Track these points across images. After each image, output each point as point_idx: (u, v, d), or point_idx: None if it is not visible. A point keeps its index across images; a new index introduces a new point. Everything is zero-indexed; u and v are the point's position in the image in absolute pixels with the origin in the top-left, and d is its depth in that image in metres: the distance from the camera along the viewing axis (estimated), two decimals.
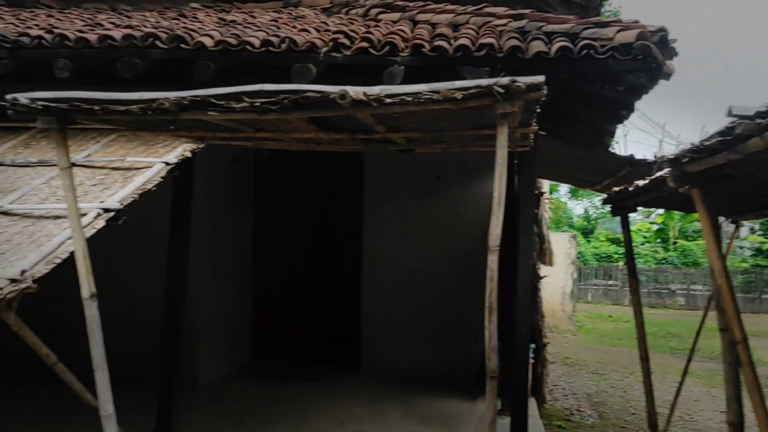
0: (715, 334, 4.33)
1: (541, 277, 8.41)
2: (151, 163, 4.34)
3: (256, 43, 4.60)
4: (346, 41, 4.61)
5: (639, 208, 5.58)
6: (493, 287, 2.61)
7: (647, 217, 31.01)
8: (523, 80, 2.49)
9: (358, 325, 7.85)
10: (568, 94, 4.74)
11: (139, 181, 4.08)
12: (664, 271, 26.81)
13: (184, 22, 5.43)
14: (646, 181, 4.03)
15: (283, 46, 4.57)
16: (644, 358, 5.37)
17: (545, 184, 10.46)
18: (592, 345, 15.13)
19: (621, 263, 26.29)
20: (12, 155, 4.70)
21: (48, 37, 4.75)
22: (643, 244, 28.61)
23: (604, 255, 28.79)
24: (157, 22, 5.39)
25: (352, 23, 5.40)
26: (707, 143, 2.55)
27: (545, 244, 8.76)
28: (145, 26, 5.09)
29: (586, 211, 35.85)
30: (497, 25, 4.90)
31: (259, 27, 5.14)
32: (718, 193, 3.35)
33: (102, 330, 2.98)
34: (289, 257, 8.67)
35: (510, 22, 4.93)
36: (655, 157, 3.70)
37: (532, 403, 6.45)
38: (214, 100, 2.66)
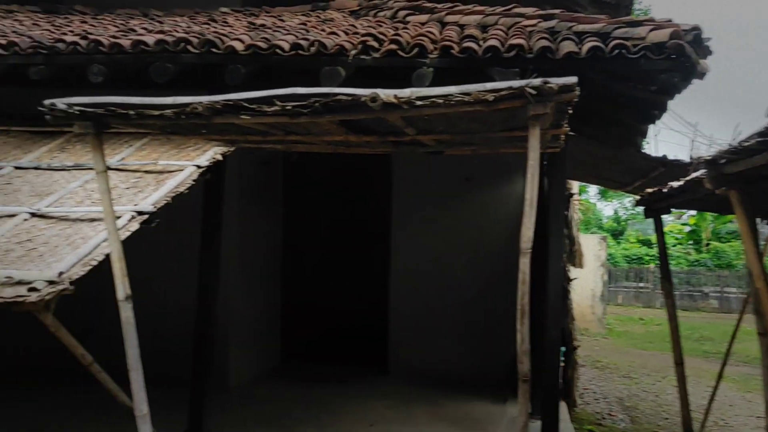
0: (749, 338, 4.24)
1: (571, 280, 8.32)
2: (183, 166, 4.40)
3: (286, 46, 4.64)
4: (375, 44, 4.61)
5: (672, 210, 5.49)
6: (525, 290, 2.59)
7: (678, 218, 30.50)
8: (556, 81, 2.46)
9: (386, 327, 7.85)
10: (598, 94, 4.68)
11: (172, 184, 4.14)
12: (697, 274, 26.33)
13: (215, 27, 5.49)
14: (681, 183, 3.96)
15: (313, 49, 4.59)
16: (679, 363, 5.27)
17: (574, 185, 10.37)
18: (623, 348, 14.93)
19: (652, 265, 25.89)
20: (48, 159, 4.80)
21: (83, 43, 4.84)
22: (674, 245, 28.13)
23: (634, 257, 28.38)
24: (188, 27, 5.46)
25: (381, 25, 5.40)
26: (746, 144, 2.50)
27: (575, 246, 8.67)
28: (177, 31, 5.16)
29: (615, 212, 35.41)
30: (527, 26, 4.87)
31: (288, 30, 5.17)
32: (756, 194, 3.27)
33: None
34: (317, 259, 8.71)
35: (539, 22, 4.89)
36: (691, 158, 3.65)
37: (562, 406, 6.37)
38: (246, 104, 2.69)
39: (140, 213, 3.76)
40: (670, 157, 6.22)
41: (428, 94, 2.57)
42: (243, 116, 2.73)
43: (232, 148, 4.51)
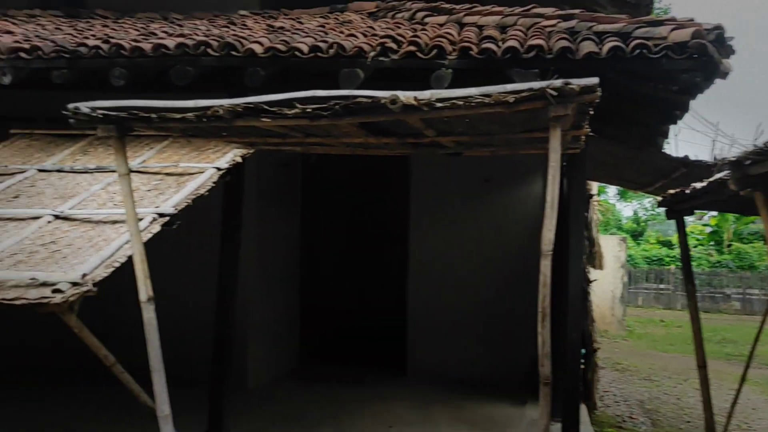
0: None
1: (591, 281, 8.26)
2: (203, 168, 4.44)
3: (305, 49, 4.65)
4: (394, 45, 4.62)
5: (695, 211, 5.42)
6: (546, 293, 2.58)
7: (699, 219, 30.12)
8: (577, 82, 2.45)
9: (404, 328, 7.85)
10: (619, 94, 4.64)
11: (192, 186, 4.18)
12: (719, 275, 25.98)
13: (234, 30, 5.53)
14: (704, 184, 3.91)
15: (332, 51, 4.61)
16: (702, 366, 5.21)
17: (593, 186, 10.29)
18: (644, 350, 14.78)
19: (673, 266, 25.59)
20: (71, 162, 4.86)
21: (105, 47, 4.90)
22: (695, 246, 27.78)
23: (654, 258, 28.07)
24: (208, 30, 5.50)
25: (399, 27, 5.41)
26: None
27: (595, 247, 8.61)
28: (197, 34, 5.20)
29: (635, 213, 35.05)
30: (546, 26, 4.84)
31: (306, 33, 5.19)
32: None
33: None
34: (335, 261, 8.73)
35: (559, 22, 4.87)
36: (715, 159, 3.60)
37: (582, 409, 6.31)
38: (266, 107, 2.70)
39: (161, 215, 3.80)
40: (692, 157, 6.15)
41: (448, 96, 2.56)
42: (263, 119, 2.74)
43: (252, 151, 4.53)
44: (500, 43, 4.56)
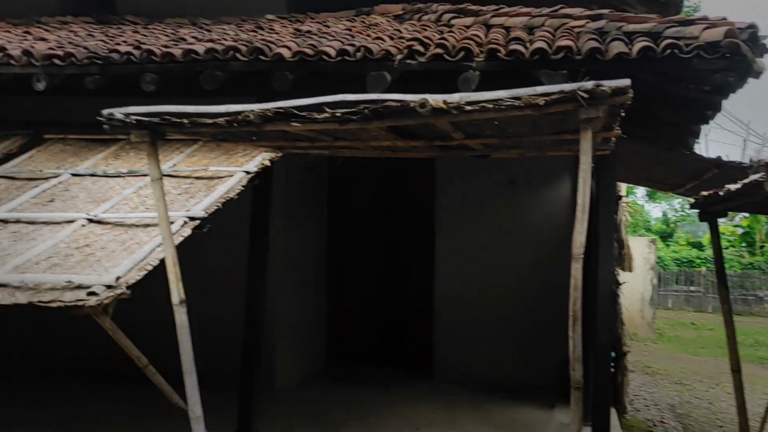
0: None
1: (620, 284, 8.16)
2: (232, 172, 4.49)
3: (332, 52, 4.68)
4: (421, 48, 4.62)
5: (729, 213, 5.32)
6: (577, 296, 2.56)
7: (731, 220, 29.55)
8: (609, 84, 2.43)
9: (431, 331, 7.83)
10: (649, 94, 4.58)
11: (222, 189, 4.22)
12: (751, 277, 25.46)
13: (262, 34, 5.58)
14: (739, 186, 3.84)
15: (359, 54, 4.63)
16: (735, 370, 5.11)
17: (622, 187, 10.17)
18: (674, 354, 14.55)
19: (703, 268, 25.16)
20: (104, 166, 4.95)
21: (136, 53, 4.98)
22: (727, 248, 27.25)
23: (684, 260, 27.61)
24: (236, 35, 5.56)
25: (426, 29, 5.41)
26: None
27: (624, 249, 8.50)
28: (226, 39, 5.26)
29: (664, 214, 34.54)
30: (574, 27, 4.80)
31: (334, 36, 5.22)
32: None
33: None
34: (362, 263, 8.75)
35: (588, 23, 4.83)
36: (750, 160, 3.54)
37: (612, 413, 6.25)
38: (296, 111, 2.73)
39: (192, 218, 3.85)
40: (724, 157, 6.04)
41: (478, 99, 2.56)
42: (294, 123, 2.77)
43: (280, 154, 4.57)
44: (528, 45, 4.53)
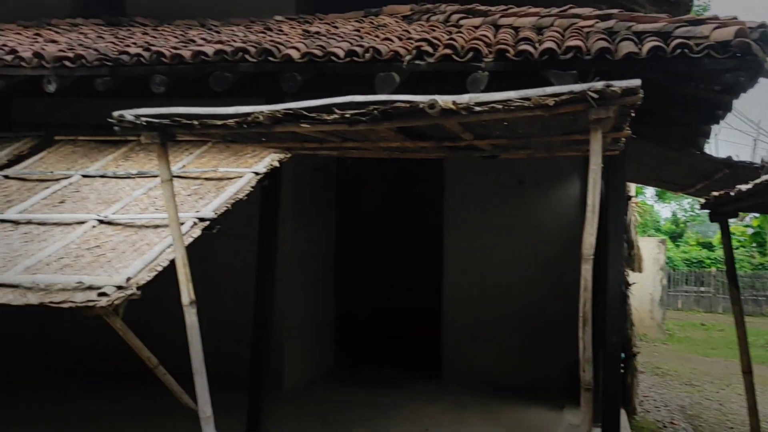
0: None
1: (630, 284, 8.13)
2: (241, 173, 4.50)
3: (341, 53, 4.68)
4: (430, 49, 4.62)
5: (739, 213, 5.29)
6: (587, 297, 2.55)
7: (741, 220, 29.35)
8: (619, 84, 2.42)
9: (439, 331, 7.83)
10: (659, 94, 4.56)
11: (231, 190, 4.23)
12: (762, 277, 25.27)
13: (271, 36, 5.59)
14: (750, 186, 3.82)
15: (367, 55, 4.63)
16: (747, 371, 5.08)
17: (631, 187, 10.12)
18: (684, 354, 14.47)
19: (714, 269, 25.00)
20: (113, 167, 4.97)
21: (146, 54, 5.00)
22: (737, 248, 27.03)
23: (694, 260, 27.46)
24: (245, 37, 5.57)
25: (434, 30, 5.41)
26: None
27: (633, 250, 8.47)
28: (235, 41, 5.27)
29: (674, 214, 34.36)
30: (583, 27, 4.79)
31: (342, 37, 5.23)
32: None
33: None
34: (370, 263, 8.75)
35: (597, 23, 4.81)
36: (762, 160, 3.51)
37: (622, 414, 6.23)
38: (306, 113, 2.73)
39: (202, 219, 3.86)
40: (734, 157, 6.01)
41: (487, 100, 2.55)
42: (303, 125, 2.77)
43: (289, 155, 4.58)
44: (537, 45, 4.52)
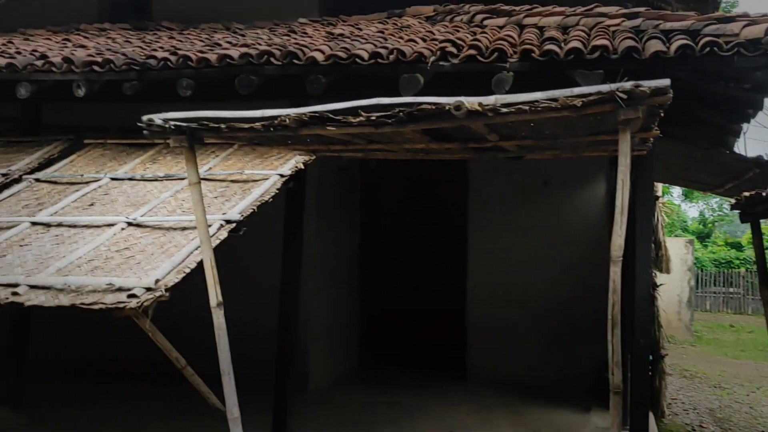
0: None
1: (658, 285, 8.02)
2: (267, 175, 4.53)
3: (365, 55, 4.69)
4: (454, 50, 4.60)
5: None
6: (616, 300, 2.52)
7: None
8: (648, 84, 2.39)
9: (464, 332, 7.80)
10: (687, 93, 4.50)
11: (257, 192, 4.26)
12: None
13: (295, 38, 5.62)
14: None
15: (392, 57, 4.63)
16: None
17: (658, 187, 10.00)
18: (713, 356, 14.23)
19: (743, 269, 24.57)
20: (141, 170, 5.04)
21: (173, 58, 5.06)
22: (766, 248, 26.56)
23: (723, 260, 27.00)
24: (269, 39, 5.61)
25: (458, 31, 5.39)
26: None
27: (661, 251, 8.36)
28: (260, 44, 5.31)
29: (701, 213, 33.87)
30: (610, 26, 4.74)
31: (366, 39, 5.24)
32: None
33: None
34: (395, 264, 8.76)
35: (623, 21, 4.76)
36: None
37: (650, 417, 6.15)
38: (332, 116, 2.74)
39: (228, 221, 3.90)
40: (765, 157, 5.89)
41: (513, 101, 2.54)
42: (329, 127, 2.78)
43: (314, 157, 4.60)
44: (563, 45, 4.49)
